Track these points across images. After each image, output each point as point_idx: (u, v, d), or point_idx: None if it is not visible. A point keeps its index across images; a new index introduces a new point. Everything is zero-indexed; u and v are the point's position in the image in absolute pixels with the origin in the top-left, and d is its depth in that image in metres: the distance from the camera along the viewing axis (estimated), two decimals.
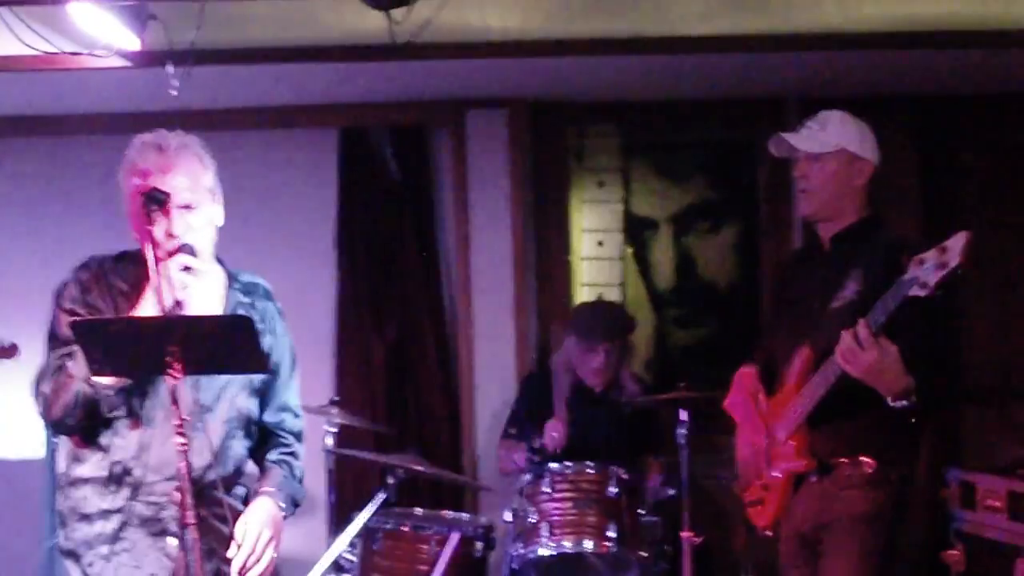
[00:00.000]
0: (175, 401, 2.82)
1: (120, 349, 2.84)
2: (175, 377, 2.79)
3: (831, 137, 3.78)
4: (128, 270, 3.22)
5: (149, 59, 4.57)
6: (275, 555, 3.16)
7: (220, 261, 3.36)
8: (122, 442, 3.16)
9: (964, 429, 6.00)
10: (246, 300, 3.34)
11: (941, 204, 5.92)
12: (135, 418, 3.14)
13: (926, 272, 3.22)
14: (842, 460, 3.66)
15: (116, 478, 3.16)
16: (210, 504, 3.14)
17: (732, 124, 6.26)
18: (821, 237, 3.89)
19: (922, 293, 3.23)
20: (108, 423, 3.14)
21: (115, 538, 3.18)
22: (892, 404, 3.44)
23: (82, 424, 3.14)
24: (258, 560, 3.16)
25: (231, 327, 2.95)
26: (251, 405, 3.32)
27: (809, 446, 3.68)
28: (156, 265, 2.98)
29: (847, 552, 3.63)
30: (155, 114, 5.54)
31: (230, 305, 3.29)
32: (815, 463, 3.68)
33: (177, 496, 2.91)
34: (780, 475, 3.76)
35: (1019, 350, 6.03)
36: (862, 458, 3.64)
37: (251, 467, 3.37)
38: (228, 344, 2.90)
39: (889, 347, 3.36)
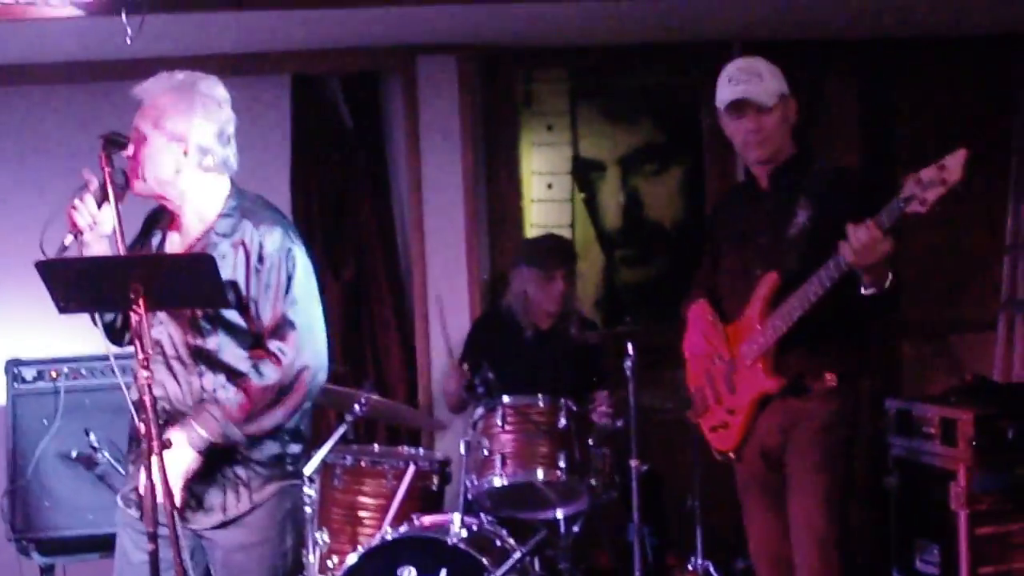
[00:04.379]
0: (139, 336, 2.90)
1: (84, 286, 2.94)
2: (137, 313, 2.88)
3: (773, 87, 3.93)
4: None
5: (104, 8, 4.60)
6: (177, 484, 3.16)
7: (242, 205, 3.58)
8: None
9: (904, 364, 6.18)
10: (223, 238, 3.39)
11: (878, 143, 6.04)
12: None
13: (924, 188, 3.33)
14: (809, 377, 3.87)
15: None
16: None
17: (678, 68, 6.35)
18: (757, 176, 4.07)
19: (921, 209, 3.35)
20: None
21: (129, 449, 3.43)
22: (865, 292, 3.60)
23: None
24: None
25: (192, 264, 3.04)
26: (198, 340, 3.31)
27: (777, 367, 3.86)
28: (117, 208, 3.07)
29: (812, 459, 3.86)
30: (110, 63, 5.63)
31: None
32: (785, 382, 3.86)
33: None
34: (750, 396, 3.93)
35: (954, 284, 6.20)
36: (826, 374, 3.86)
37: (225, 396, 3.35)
38: (190, 280, 2.99)
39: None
